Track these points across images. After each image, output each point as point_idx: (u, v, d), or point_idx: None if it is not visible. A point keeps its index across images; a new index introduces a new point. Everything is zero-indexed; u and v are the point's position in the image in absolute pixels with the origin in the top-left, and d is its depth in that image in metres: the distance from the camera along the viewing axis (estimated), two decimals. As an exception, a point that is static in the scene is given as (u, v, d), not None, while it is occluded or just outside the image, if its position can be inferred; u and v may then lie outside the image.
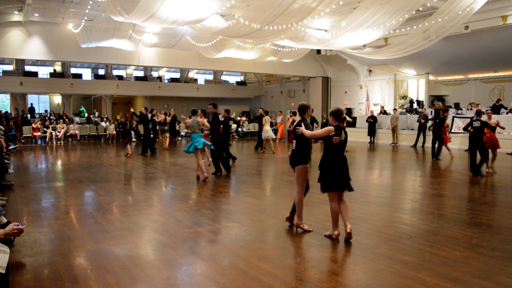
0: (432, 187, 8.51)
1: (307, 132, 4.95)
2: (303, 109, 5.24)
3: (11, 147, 15.29)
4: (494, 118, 11.12)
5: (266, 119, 15.76)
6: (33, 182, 9.00)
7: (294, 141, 5.22)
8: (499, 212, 6.41)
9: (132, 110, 15.80)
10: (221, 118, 11.18)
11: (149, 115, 15.72)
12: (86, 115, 25.86)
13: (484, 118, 9.78)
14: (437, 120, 12.78)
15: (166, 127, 17.36)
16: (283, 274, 3.85)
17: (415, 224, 5.63)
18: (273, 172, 10.86)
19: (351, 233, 4.74)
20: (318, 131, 4.95)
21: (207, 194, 7.91)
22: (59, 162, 13.10)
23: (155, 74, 30.63)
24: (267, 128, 15.61)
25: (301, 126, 5.03)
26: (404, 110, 21.05)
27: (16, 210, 6.40)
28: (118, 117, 21.53)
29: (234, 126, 25.90)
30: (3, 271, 3.17)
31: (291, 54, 19.82)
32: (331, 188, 4.90)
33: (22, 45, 18.20)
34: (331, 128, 4.85)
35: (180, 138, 22.92)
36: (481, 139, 9.48)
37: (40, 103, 29.49)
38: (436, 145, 12.84)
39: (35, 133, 19.81)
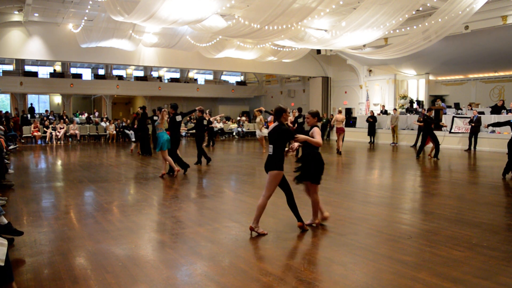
0: (432, 187, 8.51)
1: (302, 137, 5.05)
2: (279, 113, 4.99)
3: (11, 147, 15.28)
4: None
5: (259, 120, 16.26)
6: (33, 182, 9.00)
7: (271, 146, 4.97)
8: (499, 212, 6.41)
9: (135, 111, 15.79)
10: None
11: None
12: (80, 115, 25.69)
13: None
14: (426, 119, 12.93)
15: None
16: (283, 274, 3.85)
17: (415, 224, 5.63)
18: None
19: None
20: (318, 136, 5.18)
21: (207, 194, 7.91)
22: (59, 162, 13.10)
23: (155, 74, 30.63)
24: (260, 127, 16.09)
25: (280, 131, 4.91)
26: (404, 110, 21.06)
27: (16, 210, 6.39)
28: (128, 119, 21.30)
29: (234, 126, 25.92)
30: (2, 264, 3.18)
31: (291, 54, 19.83)
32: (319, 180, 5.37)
33: (22, 45, 18.20)
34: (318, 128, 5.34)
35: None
36: None
37: (40, 103, 29.48)
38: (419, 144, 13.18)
39: (35, 133, 19.81)
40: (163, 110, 9.74)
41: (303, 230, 5.19)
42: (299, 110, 14.25)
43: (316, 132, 5.25)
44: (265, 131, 15.99)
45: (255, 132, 22.89)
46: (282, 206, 6.40)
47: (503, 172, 9.36)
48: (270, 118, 19.96)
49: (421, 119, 13.20)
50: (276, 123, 5.03)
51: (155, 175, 10.05)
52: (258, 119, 16.29)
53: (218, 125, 21.72)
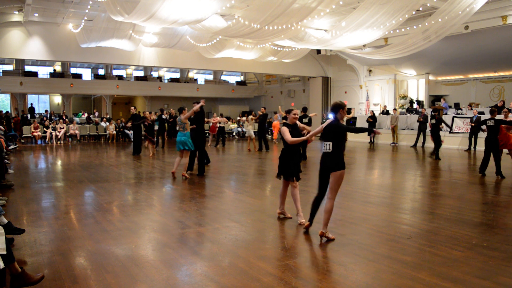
0: (432, 187, 8.51)
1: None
2: (336, 109, 4.83)
3: (11, 147, 15.28)
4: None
5: (249, 118, 16.34)
6: (33, 182, 9.00)
7: (329, 143, 4.80)
8: (499, 212, 6.40)
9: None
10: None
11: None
12: (82, 115, 25.76)
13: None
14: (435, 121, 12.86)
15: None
16: (283, 274, 3.85)
17: (415, 224, 5.63)
18: (273, 172, 10.85)
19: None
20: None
21: (207, 194, 7.91)
22: (59, 162, 13.10)
23: (155, 74, 30.64)
24: (249, 127, 16.24)
25: (337, 127, 4.79)
26: (404, 110, 21.06)
27: (16, 210, 6.39)
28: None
29: (234, 126, 25.92)
30: (4, 252, 3.30)
31: (291, 54, 19.83)
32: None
33: (22, 45, 18.20)
34: None
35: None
36: (495, 139, 9.26)
37: (40, 103, 29.50)
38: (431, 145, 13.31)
39: (35, 133, 19.81)
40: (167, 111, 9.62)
41: (306, 231, 5.14)
42: (304, 109, 13.76)
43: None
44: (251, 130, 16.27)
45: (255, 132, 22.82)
46: (282, 206, 6.40)
47: (480, 169, 9.66)
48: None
49: (435, 118, 12.98)
50: (332, 119, 4.88)
51: (155, 175, 10.05)
52: (250, 117, 16.42)
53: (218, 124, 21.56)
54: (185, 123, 9.29)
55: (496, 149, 9.33)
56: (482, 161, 9.64)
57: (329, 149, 4.81)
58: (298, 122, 5.70)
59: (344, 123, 4.99)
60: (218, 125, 18.58)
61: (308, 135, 5.31)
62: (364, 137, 20.60)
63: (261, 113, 15.92)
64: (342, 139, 4.87)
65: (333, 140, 4.80)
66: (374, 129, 5.02)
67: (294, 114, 5.62)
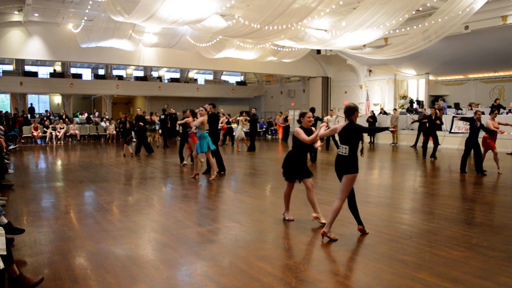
0: (432, 187, 8.51)
1: (309, 138, 5.19)
2: (351, 111, 4.74)
3: (11, 147, 15.28)
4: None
5: (240, 119, 16.52)
6: (33, 182, 9.00)
7: (346, 146, 4.72)
8: (499, 212, 6.40)
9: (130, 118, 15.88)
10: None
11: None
12: (81, 115, 25.75)
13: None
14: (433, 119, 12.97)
15: (154, 126, 17.73)
16: (283, 274, 3.85)
17: (415, 224, 5.63)
18: (273, 172, 10.85)
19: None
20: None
21: (207, 194, 7.91)
22: (59, 162, 13.10)
23: (155, 74, 30.65)
24: (240, 128, 16.42)
25: (351, 130, 4.71)
26: (404, 110, 21.06)
27: (16, 210, 6.39)
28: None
29: (234, 126, 25.91)
30: (4, 253, 3.28)
31: (291, 54, 19.84)
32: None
33: (22, 45, 18.22)
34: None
35: (179, 138, 22.87)
36: (476, 139, 10.06)
37: (40, 103, 29.51)
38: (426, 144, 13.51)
39: (35, 133, 19.81)
40: (200, 110, 9.26)
41: (363, 233, 5.04)
42: (312, 110, 13.31)
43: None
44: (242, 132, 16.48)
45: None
46: (282, 206, 6.40)
47: (461, 167, 10.35)
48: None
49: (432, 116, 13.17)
50: (346, 122, 4.79)
51: (155, 175, 10.05)
52: (241, 118, 16.50)
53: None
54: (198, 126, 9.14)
55: (478, 148, 9.98)
56: (473, 159, 10.18)
57: (346, 153, 4.73)
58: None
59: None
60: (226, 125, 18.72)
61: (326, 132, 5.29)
62: (364, 137, 20.57)
63: (245, 116, 16.10)
64: (358, 141, 4.77)
65: (350, 143, 4.71)
66: (390, 128, 5.12)
67: (309, 117, 5.44)
